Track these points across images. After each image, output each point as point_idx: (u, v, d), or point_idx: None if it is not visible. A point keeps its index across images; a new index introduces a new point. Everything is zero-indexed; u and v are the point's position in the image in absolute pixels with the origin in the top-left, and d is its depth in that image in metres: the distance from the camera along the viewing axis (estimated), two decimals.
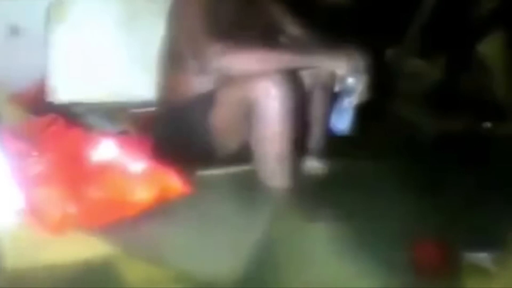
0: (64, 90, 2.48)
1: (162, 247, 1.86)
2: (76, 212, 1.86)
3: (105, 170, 1.93)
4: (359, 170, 2.35)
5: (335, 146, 2.29)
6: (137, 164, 1.95)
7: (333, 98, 2.13)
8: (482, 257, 1.84)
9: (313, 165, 2.30)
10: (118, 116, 2.41)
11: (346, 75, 2.02)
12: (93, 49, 2.51)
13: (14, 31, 2.58)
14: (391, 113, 2.86)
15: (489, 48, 3.12)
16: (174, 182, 1.96)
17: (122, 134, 2.12)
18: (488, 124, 2.91)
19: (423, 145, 2.67)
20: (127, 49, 2.54)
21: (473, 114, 2.94)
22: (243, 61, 1.97)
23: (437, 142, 2.72)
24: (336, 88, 2.06)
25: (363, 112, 2.09)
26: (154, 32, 2.26)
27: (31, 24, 2.55)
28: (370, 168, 2.37)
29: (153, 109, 2.32)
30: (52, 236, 1.83)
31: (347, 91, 2.04)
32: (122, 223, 1.87)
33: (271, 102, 1.97)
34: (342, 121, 2.08)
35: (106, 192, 1.90)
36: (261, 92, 1.97)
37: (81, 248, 1.82)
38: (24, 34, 2.57)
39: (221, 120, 2.09)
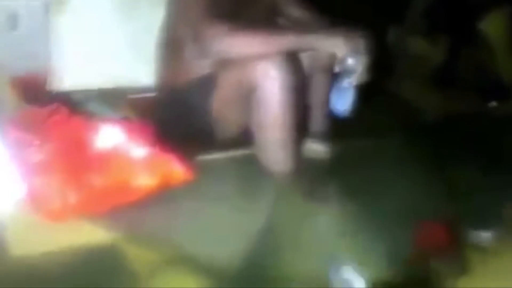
0: (63, 78, 2.47)
1: (165, 232, 1.86)
2: (78, 200, 1.86)
3: (107, 156, 1.94)
4: (362, 151, 2.35)
5: (337, 128, 2.29)
6: (139, 150, 1.96)
7: (333, 80, 2.12)
8: (484, 236, 1.85)
9: (315, 148, 2.30)
10: (118, 103, 2.41)
11: (346, 56, 2.00)
12: (92, 35, 2.50)
13: (13, 18, 2.56)
14: (394, 94, 2.85)
15: (492, 26, 3.10)
16: (176, 168, 1.97)
17: (122, 121, 2.11)
18: (493, 103, 2.90)
19: (427, 126, 2.66)
20: (126, 35, 2.53)
21: (477, 93, 2.94)
22: (243, 43, 1.96)
23: (441, 122, 2.71)
24: (336, 69, 2.05)
25: (366, 93, 2.08)
26: (154, 17, 2.26)
27: (30, 11, 2.54)
28: (374, 150, 2.37)
29: (153, 94, 2.32)
30: (54, 224, 1.84)
31: (346, 72, 2.02)
32: (125, 209, 1.87)
33: (271, 85, 1.96)
34: (342, 102, 2.06)
35: (108, 179, 1.91)
36: (261, 75, 1.96)
37: (84, 235, 1.83)
38: (24, 21, 2.55)
39: (222, 103, 2.08)
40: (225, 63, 2.02)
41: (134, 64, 2.48)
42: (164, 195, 1.94)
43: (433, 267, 1.72)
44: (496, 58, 3.10)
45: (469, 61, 3.12)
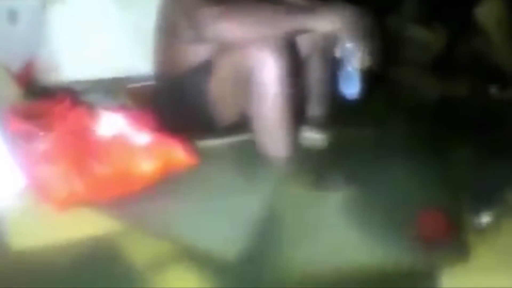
0: (63, 69, 2.49)
1: (167, 221, 1.86)
2: (83, 188, 1.87)
3: (110, 145, 1.94)
4: (362, 138, 2.35)
5: (336, 114, 2.30)
6: (141, 137, 1.97)
7: (332, 65, 2.11)
8: (485, 220, 1.86)
9: (313, 135, 2.30)
10: (119, 92, 2.42)
11: (344, 37, 1.98)
12: (91, 25, 2.51)
13: (13, 12, 2.56)
14: (393, 80, 2.84)
15: (487, 13, 3.11)
16: (179, 153, 1.98)
17: (123, 109, 2.12)
18: (493, 89, 2.91)
19: (427, 111, 2.66)
20: (125, 24, 2.55)
21: (476, 79, 2.94)
22: (238, 27, 1.95)
23: (440, 108, 2.71)
24: (337, 54, 2.04)
25: (364, 79, 2.08)
26: (152, 6, 2.24)
27: (29, 3, 2.54)
28: (373, 137, 2.37)
29: (152, 82, 2.33)
30: (59, 213, 1.84)
31: (348, 56, 2.01)
32: (128, 199, 1.88)
33: (268, 69, 1.97)
34: (350, 86, 2.05)
35: (112, 167, 1.92)
36: (257, 59, 1.97)
37: (88, 224, 1.83)
38: (23, 14, 2.55)
39: (219, 89, 2.09)
40: (222, 49, 2.02)
41: (133, 53, 2.49)
42: (164, 182, 1.95)
43: (434, 252, 1.72)
44: (493, 45, 3.11)
45: (467, 48, 3.13)
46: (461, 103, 2.73)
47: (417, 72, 3.00)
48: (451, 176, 2.11)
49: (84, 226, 1.82)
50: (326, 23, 1.99)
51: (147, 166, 1.94)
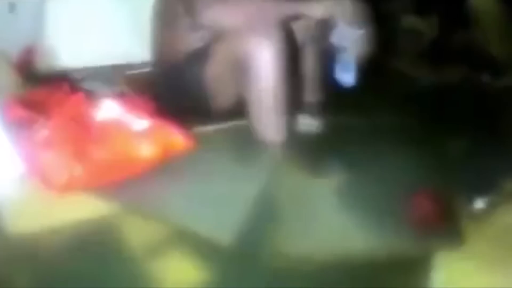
0: (62, 56, 2.50)
1: (165, 206, 1.88)
2: (82, 174, 1.89)
3: (108, 130, 1.96)
4: (356, 124, 2.35)
5: (332, 100, 2.30)
6: (139, 122, 1.99)
7: (328, 51, 2.14)
8: (478, 205, 1.87)
9: (308, 121, 2.30)
10: (116, 79, 2.42)
11: (340, 23, 2.00)
12: (89, 12, 2.52)
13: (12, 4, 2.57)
14: (387, 68, 2.84)
15: (481, 2, 3.11)
16: (176, 139, 2.00)
17: (121, 96, 2.14)
18: (486, 78, 2.92)
19: (420, 97, 2.66)
20: (123, 11, 2.55)
21: (469, 68, 2.95)
22: (233, 11, 1.98)
23: (434, 94, 2.72)
24: (333, 40, 2.06)
25: (359, 66, 2.10)
26: None
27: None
28: (368, 123, 2.37)
29: (149, 69, 2.34)
30: (58, 199, 1.86)
31: (344, 43, 2.03)
32: (127, 184, 1.90)
33: (264, 55, 1.99)
34: (346, 73, 2.07)
35: (111, 152, 1.94)
36: (254, 45, 1.98)
37: (87, 209, 1.84)
38: (22, 3, 2.56)
39: (216, 75, 2.10)
40: (218, 35, 2.04)
41: (131, 40, 2.50)
42: (163, 167, 1.97)
43: (428, 238, 1.74)
44: (486, 34, 3.11)
45: (460, 37, 3.13)
46: (455, 91, 2.73)
47: (411, 60, 3.01)
48: (445, 162, 2.12)
49: (83, 211, 1.84)
50: (320, 9, 2.03)
51: (145, 152, 1.97)
